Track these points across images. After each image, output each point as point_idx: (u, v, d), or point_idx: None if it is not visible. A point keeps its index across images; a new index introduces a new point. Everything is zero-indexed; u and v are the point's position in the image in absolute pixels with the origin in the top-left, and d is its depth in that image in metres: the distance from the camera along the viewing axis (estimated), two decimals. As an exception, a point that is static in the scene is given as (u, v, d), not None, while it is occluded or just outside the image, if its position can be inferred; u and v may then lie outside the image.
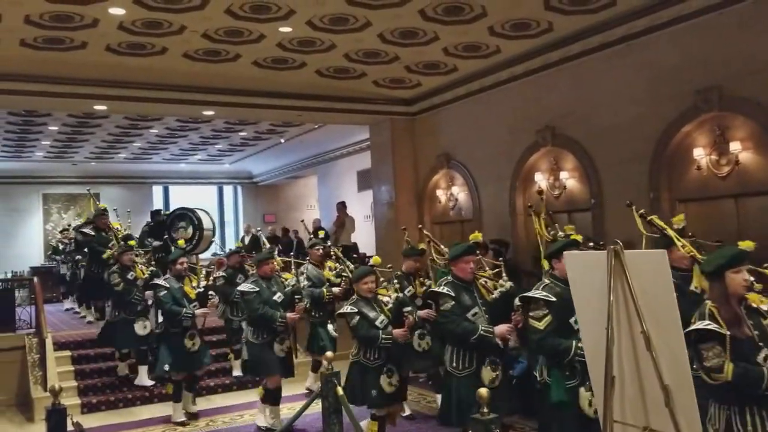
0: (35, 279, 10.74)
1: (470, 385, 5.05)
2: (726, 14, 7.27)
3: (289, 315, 7.22)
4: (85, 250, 11.38)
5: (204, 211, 11.68)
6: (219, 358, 10.15)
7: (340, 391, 5.72)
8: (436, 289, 5.54)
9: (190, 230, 9.95)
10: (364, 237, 15.22)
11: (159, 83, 10.46)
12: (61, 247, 14.35)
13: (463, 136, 11.40)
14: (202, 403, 8.83)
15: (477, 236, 6.34)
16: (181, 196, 22.21)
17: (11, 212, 19.85)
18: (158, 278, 8.27)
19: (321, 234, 9.68)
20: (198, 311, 7.74)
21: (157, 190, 22.52)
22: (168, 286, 7.69)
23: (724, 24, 7.31)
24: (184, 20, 8.20)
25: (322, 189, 20.09)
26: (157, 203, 22.36)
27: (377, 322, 5.97)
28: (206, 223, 11.01)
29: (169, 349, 7.68)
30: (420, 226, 8.79)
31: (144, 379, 9.14)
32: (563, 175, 9.57)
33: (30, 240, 20.04)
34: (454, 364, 5.32)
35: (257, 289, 7.13)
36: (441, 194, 12.20)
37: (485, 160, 10.91)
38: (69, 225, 16.37)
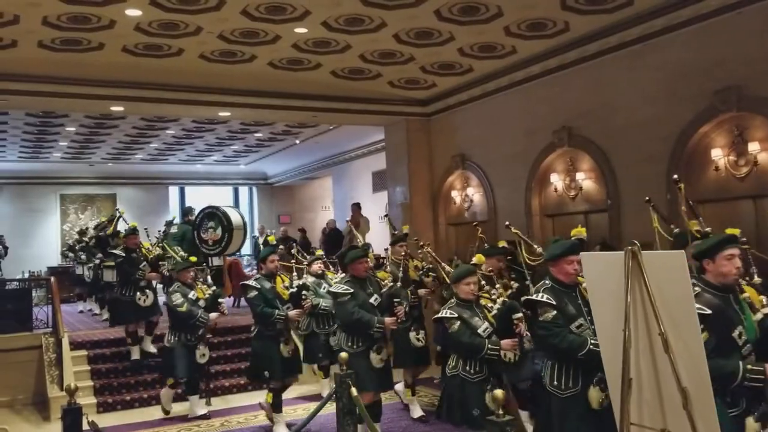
0: (52, 279, 10.82)
1: (575, 407, 4.36)
2: (745, 14, 7.19)
3: (387, 320, 6.47)
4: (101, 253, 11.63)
5: (232, 207, 11.29)
6: (234, 358, 10.19)
7: (354, 392, 5.70)
8: (533, 297, 4.65)
9: (219, 231, 9.55)
10: (378, 237, 15.20)
11: (175, 84, 10.50)
12: (77, 247, 14.23)
13: (478, 137, 11.35)
14: (217, 403, 8.87)
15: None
16: (197, 197, 22.34)
17: (29, 212, 20.04)
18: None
19: (405, 229, 8.57)
20: (291, 313, 7.39)
21: (174, 191, 22.64)
22: (259, 286, 7.24)
23: (742, 24, 7.23)
24: (200, 21, 8.23)
25: (337, 190, 20.10)
26: (174, 204, 22.51)
27: (480, 330, 5.31)
28: (235, 221, 10.35)
29: (265, 354, 7.26)
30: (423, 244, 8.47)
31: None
32: (579, 175, 9.51)
33: (47, 240, 20.21)
34: (556, 383, 4.47)
35: (351, 290, 6.36)
36: (456, 195, 12.17)
37: (501, 161, 10.86)
38: (87, 227, 16.22)
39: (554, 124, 9.65)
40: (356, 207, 14.55)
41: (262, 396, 8.71)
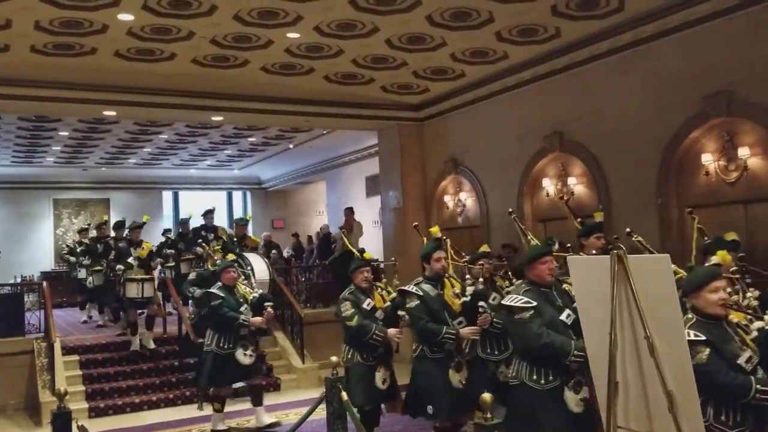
0: (44, 283, 10.80)
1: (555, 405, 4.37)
2: (734, 20, 7.23)
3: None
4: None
5: (259, 256, 9.82)
6: None
7: (344, 396, 5.71)
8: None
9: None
10: (371, 242, 15.22)
11: (168, 89, 10.50)
12: (79, 249, 13.19)
13: (471, 142, 11.38)
14: (209, 408, 8.83)
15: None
16: (191, 202, 22.32)
17: (22, 217, 20.00)
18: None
19: (484, 248, 7.02)
20: (464, 331, 5.80)
21: (167, 196, 22.62)
22: (421, 293, 5.85)
23: (732, 29, 7.27)
24: (193, 26, 8.24)
25: (331, 194, 20.11)
26: (167, 209, 22.50)
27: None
28: (259, 272, 9.08)
29: (429, 384, 5.77)
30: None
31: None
32: (571, 180, 9.54)
33: (40, 245, 20.17)
34: (535, 377, 4.46)
35: (534, 304, 4.55)
36: (449, 200, 12.19)
37: (493, 165, 10.89)
38: (88, 224, 15.75)
39: (546, 129, 9.69)
40: (349, 211, 14.56)
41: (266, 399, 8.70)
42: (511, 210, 6.11)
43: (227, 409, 8.03)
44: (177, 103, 10.81)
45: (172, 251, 12.22)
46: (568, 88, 9.39)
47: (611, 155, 8.74)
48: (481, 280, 6.06)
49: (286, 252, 18.49)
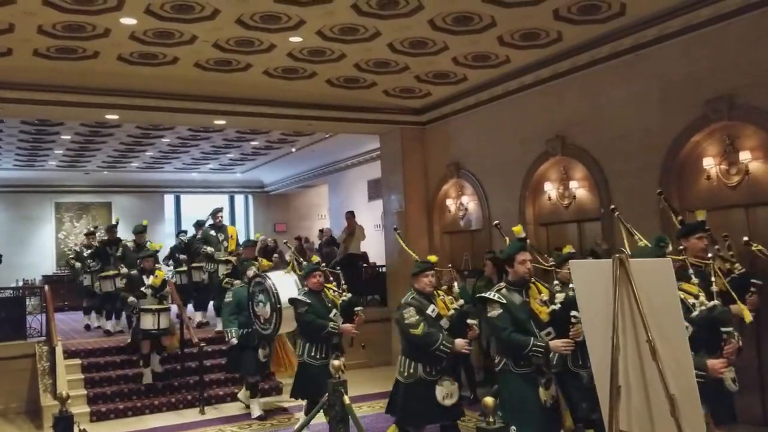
0: (46, 287, 10.81)
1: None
2: (735, 24, 7.25)
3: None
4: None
5: (288, 274, 8.42)
6: (216, 370, 10.10)
7: (347, 399, 5.70)
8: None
9: (267, 308, 7.93)
10: (373, 246, 15.23)
11: (170, 93, 10.52)
12: (86, 252, 12.33)
13: (472, 146, 11.40)
14: (211, 412, 8.86)
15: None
16: (193, 206, 22.35)
17: (24, 221, 20.01)
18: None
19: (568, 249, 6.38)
20: (554, 344, 5.10)
21: (169, 199, 22.64)
22: (504, 301, 5.18)
23: (733, 34, 7.29)
24: (195, 30, 8.26)
25: (333, 198, 20.13)
26: (169, 212, 22.51)
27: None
28: (284, 300, 7.82)
29: (516, 404, 5.15)
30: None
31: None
32: (573, 184, 9.55)
33: (42, 248, 20.17)
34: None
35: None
36: (451, 204, 12.20)
37: (495, 169, 10.90)
38: (95, 227, 14.99)
39: (548, 133, 9.70)
40: (351, 215, 14.58)
41: (253, 405, 8.69)
42: (613, 207, 5.38)
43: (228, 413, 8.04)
44: (179, 107, 10.83)
45: (185, 257, 12.08)
46: (569, 92, 9.40)
47: (613, 159, 8.75)
48: (571, 285, 5.11)
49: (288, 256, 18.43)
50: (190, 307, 12.03)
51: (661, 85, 8.09)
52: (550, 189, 9.89)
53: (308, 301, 7.00)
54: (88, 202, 21.03)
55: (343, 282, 7.54)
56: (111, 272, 11.37)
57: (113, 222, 12.88)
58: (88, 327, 12.21)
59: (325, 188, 21.00)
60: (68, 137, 14.58)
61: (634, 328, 3.29)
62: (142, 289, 9.33)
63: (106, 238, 12.27)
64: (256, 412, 8.55)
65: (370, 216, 16.84)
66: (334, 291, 7.37)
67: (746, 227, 7.45)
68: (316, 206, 22.89)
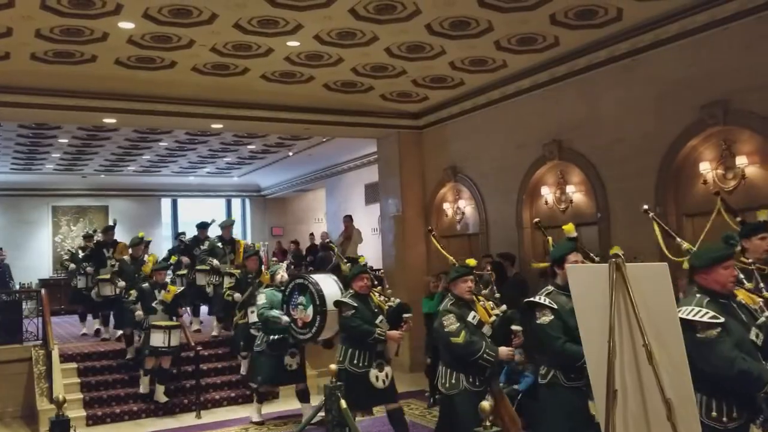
0: (42, 291, 10.78)
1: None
2: (731, 29, 7.27)
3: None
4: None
5: (329, 276, 8.14)
6: (224, 371, 10.16)
7: (343, 404, 5.71)
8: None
9: (310, 311, 7.46)
10: (371, 250, 15.23)
11: (168, 97, 10.53)
12: (80, 255, 11.98)
13: (470, 150, 11.41)
14: (207, 416, 8.84)
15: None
16: (190, 209, 22.34)
17: (21, 224, 19.99)
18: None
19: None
20: None
21: (166, 203, 22.62)
22: (556, 306, 4.67)
23: (729, 39, 7.31)
24: (193, 34, 8.26)
25: (330, 202, 20.13)
26: (166, 216, 22.50)
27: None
28: (329, 301, 7.42)
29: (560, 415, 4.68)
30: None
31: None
32: (570, 188, 9.57)
33: (39, 252, 20.15)
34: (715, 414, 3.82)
35: (722, 319, 3.83)
36: (448, 208, 12.21)
37: (492, 173, 10.91)
38: (94, 230, 14.31)
39: (545, 137, 9.72)
40: (348, 219, 14.61)
41: (252, 410, 8.70)
42: (646, 207, 5.09)
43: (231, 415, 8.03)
44: (177, 111, 10.84)
45: (187, 259, 11.79)
46: (566, 97, 9.43)
47: (609, 163, 8.77)
48: None
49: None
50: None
51: (657, 89, 8.11)
52: (547, 193, 9.91)
53: (354, 304, 6.59)
54: (85, 206, 21.02)
55: (387, 287, 7.26)
56: (110, 275, 10.89)
57: (110, 223, 12.62)
58: (85, 335, 11.72)
59: (323, 192, 21.00)
60: (65, 141, 14.58)
61: (631, 333, 3.30)
62: (154, 304, 9.01)
63: (102, 239, 11.88)
64: (255, 417, 8.49)
65: (368, 220, 16.85)
66: (379, 295, 7.00)
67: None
68: (314, 210, 22.89)
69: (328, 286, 7.62)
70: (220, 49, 8.81)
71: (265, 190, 23.21)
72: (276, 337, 8.14)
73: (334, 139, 14.77)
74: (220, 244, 11.30)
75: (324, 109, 11.55)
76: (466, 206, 11.76)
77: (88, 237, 12.72)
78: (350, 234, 14.31)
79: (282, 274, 8.65)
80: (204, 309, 12.00)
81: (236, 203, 23.92)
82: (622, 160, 8.54)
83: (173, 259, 11.20)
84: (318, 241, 17.41)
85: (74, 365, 9.64)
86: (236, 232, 20.73)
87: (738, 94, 7.22)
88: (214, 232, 12.19)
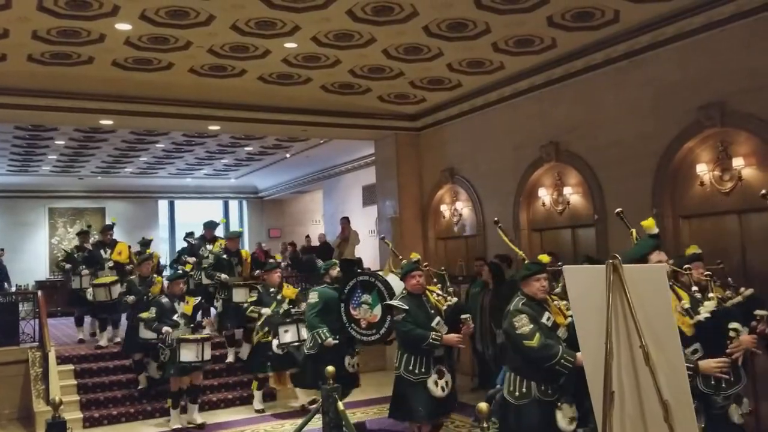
0: (39, 293, 10.75)
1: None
2: (728, 31, 7.29)
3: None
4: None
5: (396, 275, 7.30)
6: (222, 373, 10.14)
7: (341, 406, 5.71)
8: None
9: (377, 310, 6.90)
10: (368, 252, 15.24)
11: (165, 98, 10.52)
12: (77, 255, 11.23)
13: (467, 152, 11.42)
14: (205, 417, 8.82)
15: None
16: (187, 211, 22.32)
17: (17, 226, 19.96)
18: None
19: None
20: (709, 365, 4.27)
21: (163, 205, 22.60)
22: None
23: (726, 40, 7.32)
24: (190, 36, 8.26)
25: (328, 204, 20.13)
26: (163, 218, 22.47)
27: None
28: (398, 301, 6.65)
29: None
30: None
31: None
32: (567, 190, 9.57)
33: (35, 254, 20.13)
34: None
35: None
36: (445, 209, 12.21)
37: (489, 175, 10.92)
38: (89, 226, 13.68)
39: (542, 139, 9.72)
40: (345, 221, 14.63)
41: (250, 411, 8.70)
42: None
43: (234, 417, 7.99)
44: (174, 113, 10.83)
45: (194, 259, 11.12)
46: (563, 99, 9.44)
47: (606, 165, 8.78)
48: (694, 288, 4.62)
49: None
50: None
51: (654, 91, 8.12)
52: (544, 195, 9.92)
53: (406, 306, 6.01)
54: (81, 208, 21.00)
55: (449, 284, 6.56)
56: (107, 279, 10.42)
57: (110, 222, 11.99)
58: (82, 341, 11.07)
59: (320, 194, 21.00)
60: (62, 142, 14.56)
61: (628, 334, 3.30)
62: (175, 317, 8.46)
63: (99, 239, 11.39)
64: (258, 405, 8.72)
65: (365, 222, 16.85)
66: (437, 295, 6.34)
67: (739, 233, 7.48)
68: (311, 211, 22.89)
69: (397, 285, 6.95)
70: (217, 50, 8.80)
71: (263, 191, 23.20)
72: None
73: (331, 140, 14.77)
74: (225, 256, 10.59)
75: (321, 110, 11.55)
76: (464, 208, 11.77)
77: (83, 234, 11.97)
78: (347, 236, 14.32)
79: (338, 269, 8.26)
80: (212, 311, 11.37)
81: (233, 205, 23.90)
82: (620, 162, 8.55)
83: (188, 267, 10.58)
84: (315, 242, 17.43)
85: (71, 367, 9.62)
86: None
87: (735, 96, 7.23)
88: (215, 232, 11.76)
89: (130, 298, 9.43)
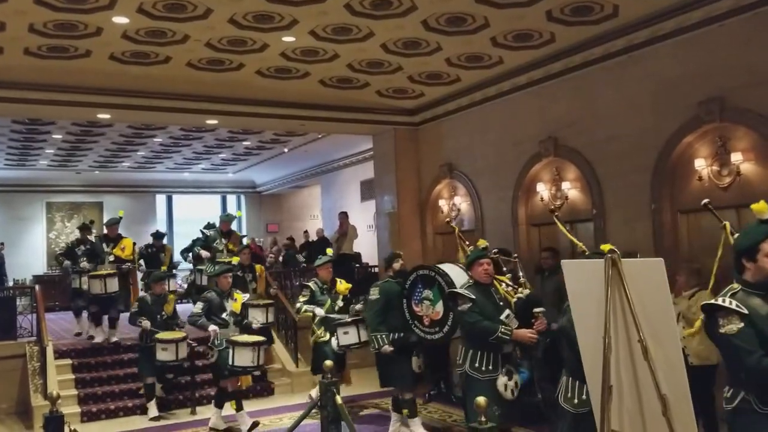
0: (37, 287, 10.73)
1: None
2: (727, 26, 7.28)
3: None
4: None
5: (462, 269, 6.64)
6: (207, 369, 10.00)
7: (339, 400, 5.70)
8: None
9: (439, 306, 6.44)
10: (366, 247, 15.23)
11: (163, 92, 10.49)
12: (77, 249, 10.79)
13: (465, 146, 11.40)
14: (202, 412, 8.81)
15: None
16: (185, 206, 22.29)
17: (15, 220, 19.91)
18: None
19: None
20: None
21: (161, 199, 22.56)
22: (745, 311, 3.34)
23: (725, 35, 7.32)
24: (188, 29, 8.23)
25: (326, 198, 20.12)
26: (161, 212, 22.44)
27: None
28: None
29: None
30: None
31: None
32: (565, 185, 9.56)
33: (33, 248, 20.08)
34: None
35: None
36: (443, 204, 12.20)
37: (488, 170, 10.91)
38: (91, 221, 13.03)
39: (540, 134, 9.71)
40: (344, 216, 14.60)
41: (248, 405, 8.69)
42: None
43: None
44: (171, 107, 10.81)
45: (207, 254, 10.68)
46: (562, 94, 9.43)
47: (605, 160, 8.77)
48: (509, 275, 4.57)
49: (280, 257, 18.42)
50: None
51: (653, 86, 8.11)
52: (543, 190, 9.91)
53: (472, 296, 5.40)
54: (79, 202, 20.95)
55: (521, 274, 6.05)
56: (103, 271, 10.03)
57: (117, 216, 11.24)
58: (79, 334, 10.87)
59: (318, 189, 20.98)
60: (60, 136, 14.52)
61: (626, 328, 3.29)
62: (224, 315, 7.85)
63: (105, 233, 10.80)
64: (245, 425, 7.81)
65: (363, 216, 16.84)
66: (507, 285, 5.85)
67: (738, 228, 7.43)
68: (309, 206, 22.87)
69: (459, 276, 6.38)
70: (215, 44, 8.77)
71: (261, 186, 23.17)
72: (394, 336, 7.07)
73: (329, 135, 14.75)
74: (240, 273, 9.76)
75: (319, 105, 11.52)
76: (462, 203, 11.76)
77: (84, 228, 11.39)
78: (346, 230, 14.31)
79: (401, 262, 7.60)
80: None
81: (231, 199, 23.86)
82: (618, 157, 8.54)
83: (235, 260, 9.75)
84: (314, 237, 17.39)
85: (69, 361, 9.62)
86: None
87: (734, 91, 7.22)
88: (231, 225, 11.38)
89: (145, 323, 8.52)
